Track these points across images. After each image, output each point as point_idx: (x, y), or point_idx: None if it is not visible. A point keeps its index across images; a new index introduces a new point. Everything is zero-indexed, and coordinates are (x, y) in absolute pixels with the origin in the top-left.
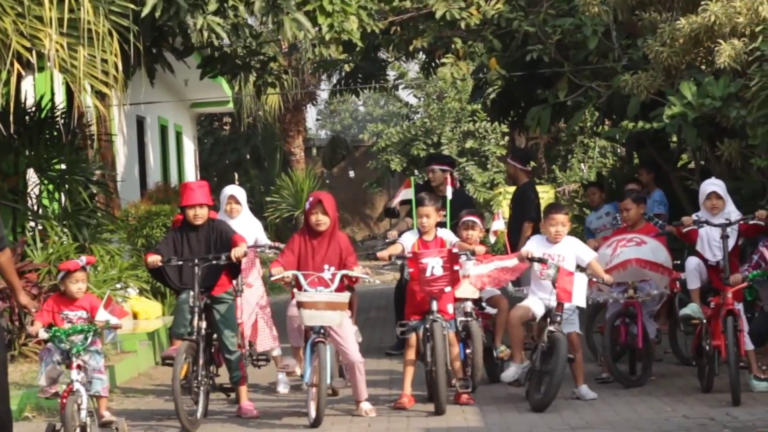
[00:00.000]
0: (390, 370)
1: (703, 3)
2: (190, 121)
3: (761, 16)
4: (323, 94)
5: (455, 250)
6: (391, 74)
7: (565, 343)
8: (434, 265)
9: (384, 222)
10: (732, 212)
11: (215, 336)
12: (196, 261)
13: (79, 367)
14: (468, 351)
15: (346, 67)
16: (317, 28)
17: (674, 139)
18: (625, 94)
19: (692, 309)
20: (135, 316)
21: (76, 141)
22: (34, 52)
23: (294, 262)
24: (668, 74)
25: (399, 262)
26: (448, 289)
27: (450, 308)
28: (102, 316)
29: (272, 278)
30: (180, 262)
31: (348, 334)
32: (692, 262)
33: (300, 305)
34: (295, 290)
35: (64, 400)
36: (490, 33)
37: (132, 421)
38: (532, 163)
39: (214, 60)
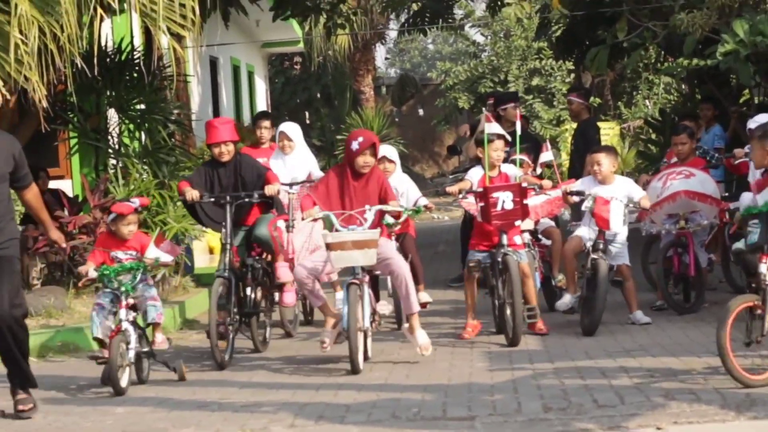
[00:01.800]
0: (455, 299)
1: None
2: (261, 61)
3: None
4: (392, 33)
5: (524, 185)
6: (458, 12)
7: (605, 269)
8: (504, 199)
9: (453, 159)
10: None
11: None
12: (228, 198)
13: (129, 306)
14: None
15: (414, 6)
16: None
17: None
18: (682, 32)
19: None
20: (211, 251)
21: (155, 82)
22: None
23: (332, 199)
24: (722, 13)
25: (469, 197)
26: (518, 222)
27: (518, 240)
28: (152, 253)
29: (303, 220)
30: (212, 199)
31: (388, 249)
32: (746, 197)
33: (328, 247)
34: (324, 232)
35: (112, 340)
36: None
37: (194, 356)
38: (598, 100)
39: (286, 2)
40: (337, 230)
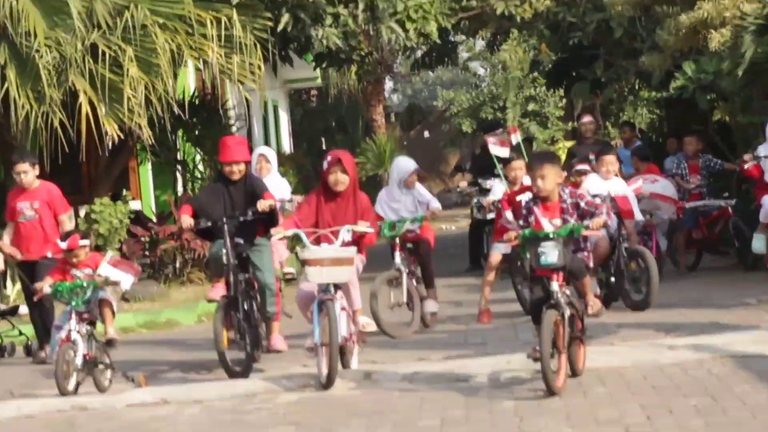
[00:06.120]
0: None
1: (698, 1)
2: (283, 96)
3: (743, 10)
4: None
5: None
6: (461, 48)
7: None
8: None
9: (457, 177)
10: None
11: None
12: (224, 220)
13: (79, 319)
14: None
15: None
16: (406, 32)
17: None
18: (647, 71)
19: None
20: None
21: (224, 120)
22: (201, 60)
23: (311, 219)
24: (676, 56)
25: (479, 202)
26: None
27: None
28: (103, 270)
29: (272, 238)
30: (209, 224)
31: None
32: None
33: (305, 263)
34: (298, 248)
35: (60, 347)
36: (541, 23)
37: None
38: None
39: (323, 56)
40: (307, 247)
